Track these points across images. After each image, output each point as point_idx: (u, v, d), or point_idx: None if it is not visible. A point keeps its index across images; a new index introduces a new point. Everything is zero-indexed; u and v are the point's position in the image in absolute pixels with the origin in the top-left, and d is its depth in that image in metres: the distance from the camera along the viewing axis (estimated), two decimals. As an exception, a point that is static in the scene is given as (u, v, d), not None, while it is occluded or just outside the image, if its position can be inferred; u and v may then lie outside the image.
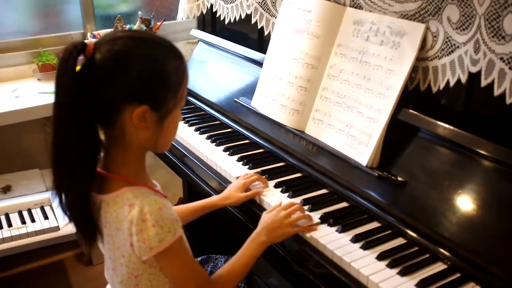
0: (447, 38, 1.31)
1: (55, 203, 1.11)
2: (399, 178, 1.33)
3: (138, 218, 1.03)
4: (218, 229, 2.25)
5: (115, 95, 1.04)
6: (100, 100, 1.04)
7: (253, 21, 1.98)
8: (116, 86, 1.03)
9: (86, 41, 1.08)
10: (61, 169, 1.07)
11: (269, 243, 1.27)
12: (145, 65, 1.04)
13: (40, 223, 2.22)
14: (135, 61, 1.03)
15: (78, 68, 1.03)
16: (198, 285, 1.14)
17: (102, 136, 1.11)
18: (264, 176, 1.54)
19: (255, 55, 1.92)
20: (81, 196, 1.08)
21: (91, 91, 1.03)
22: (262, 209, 1.45)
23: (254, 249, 1.25)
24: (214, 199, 1.51)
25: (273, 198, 1.46)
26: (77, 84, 1.01)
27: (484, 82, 1.22)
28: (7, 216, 2.24)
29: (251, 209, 1.47)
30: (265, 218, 1.31)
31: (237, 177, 1.56)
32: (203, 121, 2.00)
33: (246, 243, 1.26)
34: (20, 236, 2.16)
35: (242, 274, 1.23)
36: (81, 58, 1.03)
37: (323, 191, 1.50)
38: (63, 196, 1.08)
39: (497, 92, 1.20)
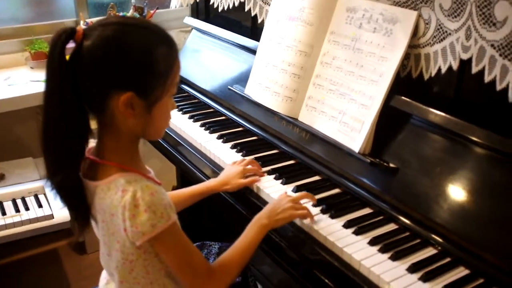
0: (439, 25, 1.32)
1: (49, 189, 1.12)
2: (391, 165, 1.34)
3: (131, 204, 1.04)
4: (213, 216, 2.27)
5: (102, 81, 1.04)
6: (88, 86, 1.04)
7: (246, 8, 1.98)
8: (102, 72, 1.03)
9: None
10: (49, 153, 1.08)
11: (270, 226, 1.26)
12: (131, 51, 1.03)
13: (34, 211, 2.22)
14: (121, 47, 1.02)
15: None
16: (196, 272, 1.14)
17: (95, 123, 1.12)
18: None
19: (249, 42, 1.92)
20: (68, 178, 1.09)
21: (79, 77, 1.03)
22: (253, 194, 1.47)
23: (255, 233, 1.24)
24: (212, 183, 1.50)
25: (268, 184, 1.47)
26: (65, 69, 1.02)
27: (475, 69, 1.23)
28: (1, 205, 2.24)
29: (244, 194, 1.48)
30: (269, 204, 1.32)
31: (234, 162, 1.56)
32: (197, 109, 2.00)
33: (247, 228, 1.26)
34: (14, 224, 2.16)
35: (244, 259, 1.22)
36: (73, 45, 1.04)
37: (316, 177, 1.51)
38: (53, 179, 1.09)
39: (487, 78, 1.21)
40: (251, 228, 1.26)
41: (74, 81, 1.03)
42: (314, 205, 1.35)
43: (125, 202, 1.05)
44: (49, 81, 1.04)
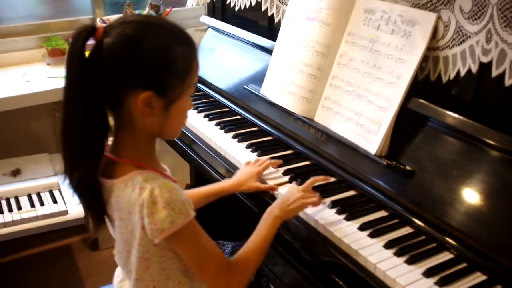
0: (459, 27, 1.30)
1: (64, 186, 1.12)
2: (407, 167, 1.34)
3: (149, 201, 1.04)
4: (226, 216, 2.27)
5: (120, 79, 1.04)
6: (107, 84, 1.05)
7: (263, 8, 1.98)
8: (121, 70, 1.03)
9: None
10: (69, 149, 1.09)
11: (283, 218, 1.26)
12: (151, 50, 1.03)
13: (49, 207, 2.24)
14: (141, 46, 1.03)
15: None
16: (216, 267, 1.14)
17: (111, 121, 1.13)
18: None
19: (265, 42, 1.91)
20: (87, 175, 1.09)
21: (99, 75, 1.03)
22: (268, 194, 1.46)
23: (269, 225, 1.24)
24: (226, 184, 1.50)
25: (282, 184, 1.47)
26: (84, 66, 1.02)
27: (495, 72, 1.22)
28: (16, 199, 2.26)
29: (260, 196, 1.48)
30: (280, 196, 1.33)
31: (248, 162, 1.56)
32: (212, 108, 2.00)
33: (261, 222, 1.26)
34: (29, 219, 2.17)
35: (261, 253, 1.22)
36: (93, 42, 1.04)
37: (332, 179, 1.50)
38: (71, 176, 1.10)
39: (508, 82, 1.20)
40: (264, 221, 1.26)
41: (93, 78, 1.03)
42: (330, 207, 1.35)
43: (143, 200, 1.05)
44: (68, 77, 1.04)
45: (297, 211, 1.29)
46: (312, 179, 1.38)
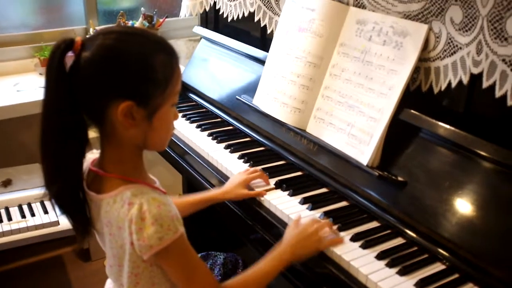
0: (450, 39, 1.31)
1: (47, 199, 1.11)
2: (400, 178, 1.33)
3: (137, 217, 1.03)
4: (218, 226, 2.26)
5: (99, 91, 1.02)
6: (86, 97, 1.03)
7: (256, 19, 1.98)
8: (99, 81, 1.02)
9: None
10: (47, 161, 1.07)
11: (290, 260, 1.22)
12: (129, 60, 1.02)
13: (40, 218, 2.23)
14: (119, 56, 1.02)
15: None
16: (204, 286, 1.12)
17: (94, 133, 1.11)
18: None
19: (258, 53, 1.92)
20: (65, 189, 1.08)
21: (78, 88, 1.02)
22: (261, 206, 1.45)
23: (274, 266, 1.20)
24: (214, 192, 1.50)
25: (273, 196, 1.46)
26: (62, 80, 1.01)
27: (485, 84, 1.22)
28: (7, 210, 2.24)
29: (251, 206, 1.47)
30: (291, 236, 1.26)
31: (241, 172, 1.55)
32: (204, 118, 2.00)
33: (267, 259, 1.22)
34: (19, 230, 2.16)
35: (257, 287, 1.20)
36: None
37: (323, 190, 1.50)
38: (49, 190, 1.09)
39: (498, 93, 1.20)
40: (271, 260, 1.22)
41: (72, 92, 1.02)
42: (321, 218, 1.34)
43: (132, 215, 1.03)
44: (47, 91, 1.03)
45: (310, 255, 1.24)
46: (327, 222, 1.30)
